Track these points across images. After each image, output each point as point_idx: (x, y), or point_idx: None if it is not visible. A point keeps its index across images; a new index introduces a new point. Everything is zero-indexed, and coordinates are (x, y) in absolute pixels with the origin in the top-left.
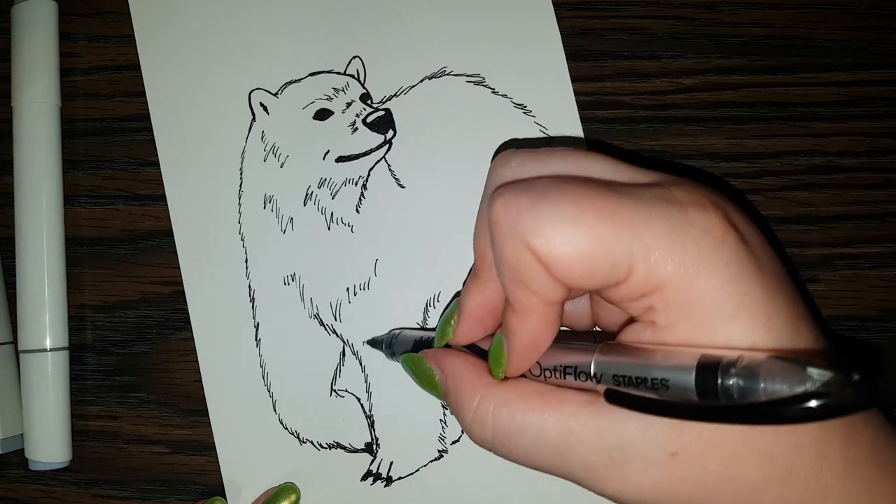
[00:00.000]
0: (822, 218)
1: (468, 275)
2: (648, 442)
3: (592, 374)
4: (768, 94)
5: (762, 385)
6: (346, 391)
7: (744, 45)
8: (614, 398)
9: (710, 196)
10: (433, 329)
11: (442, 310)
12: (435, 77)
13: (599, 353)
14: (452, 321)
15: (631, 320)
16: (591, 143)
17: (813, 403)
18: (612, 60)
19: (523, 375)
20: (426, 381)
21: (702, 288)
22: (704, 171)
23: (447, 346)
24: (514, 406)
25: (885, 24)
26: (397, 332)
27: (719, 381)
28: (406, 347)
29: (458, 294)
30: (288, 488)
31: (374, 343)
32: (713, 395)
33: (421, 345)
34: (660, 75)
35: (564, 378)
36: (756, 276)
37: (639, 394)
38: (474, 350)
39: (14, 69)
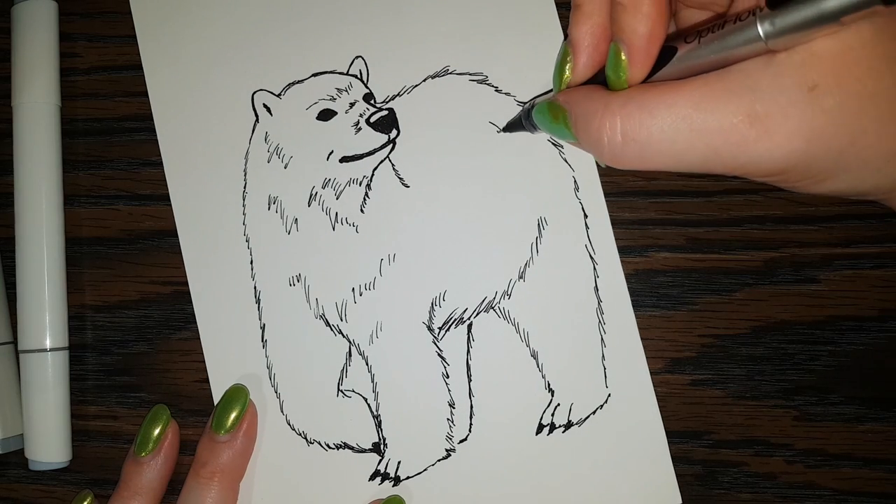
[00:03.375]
0: (822, 218)
1: (571, 16)
2: (783, 85)
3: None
4: None
5: None
6: (353, 391)
7: None
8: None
9: None
10: None
11: (449, 312)
12: (438, 76)
13: None
14: (567, 59)
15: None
16: None
17: None
18: None
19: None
20: (556, 119)
21: None
22: None
23: None
24: (640, 98)
25: None
26: (528, 104)
27: None
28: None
29: (564, 41)
30: None
31: (511, 126)
32: None
33: None
34: None
35: (723, 28)
36: None
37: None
38: None
39: (14, 69)
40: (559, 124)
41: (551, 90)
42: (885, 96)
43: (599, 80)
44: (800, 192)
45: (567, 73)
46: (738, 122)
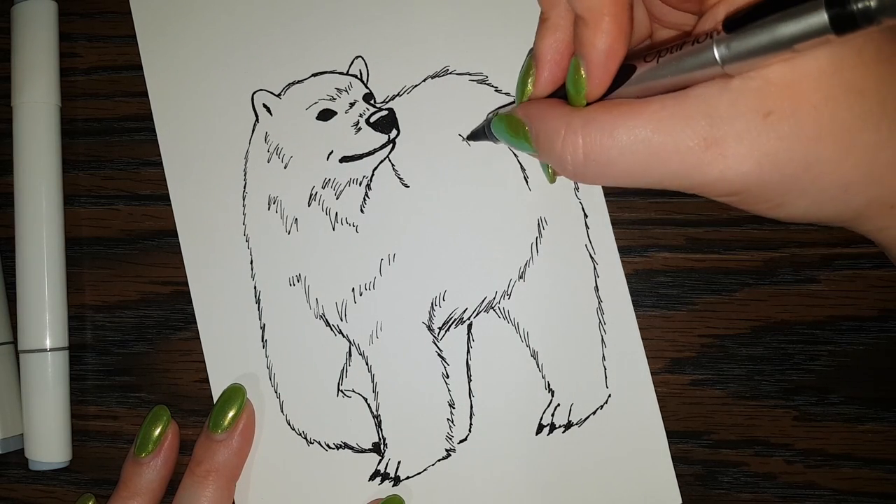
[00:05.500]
0: None
1: (537, 29)
2: (739, 111)
3: (723, 23)
4: None
5: None
6: (353, 391)
7: None
8: (733, 23)
9: None
10: None
11: (449, 312)
12: (438, 76)
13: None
14: (530, 72)
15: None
16: None
17: None
18: None
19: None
20: (516, 134)
21: None
22: None
23: None
24: (601, 119)
25: None
26: (492, 115)
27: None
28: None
29: (530, 52)
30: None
31: (475, 136)
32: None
33: None
34: None
35: (681, 49)
36: None
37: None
38: None
39: (14, 69)
40: (518, 138)
41: (513, 102)
42: (843, 126)
43: (561, 94)
44: (763, 216)
45: (529, 86)
46: (694, 145)
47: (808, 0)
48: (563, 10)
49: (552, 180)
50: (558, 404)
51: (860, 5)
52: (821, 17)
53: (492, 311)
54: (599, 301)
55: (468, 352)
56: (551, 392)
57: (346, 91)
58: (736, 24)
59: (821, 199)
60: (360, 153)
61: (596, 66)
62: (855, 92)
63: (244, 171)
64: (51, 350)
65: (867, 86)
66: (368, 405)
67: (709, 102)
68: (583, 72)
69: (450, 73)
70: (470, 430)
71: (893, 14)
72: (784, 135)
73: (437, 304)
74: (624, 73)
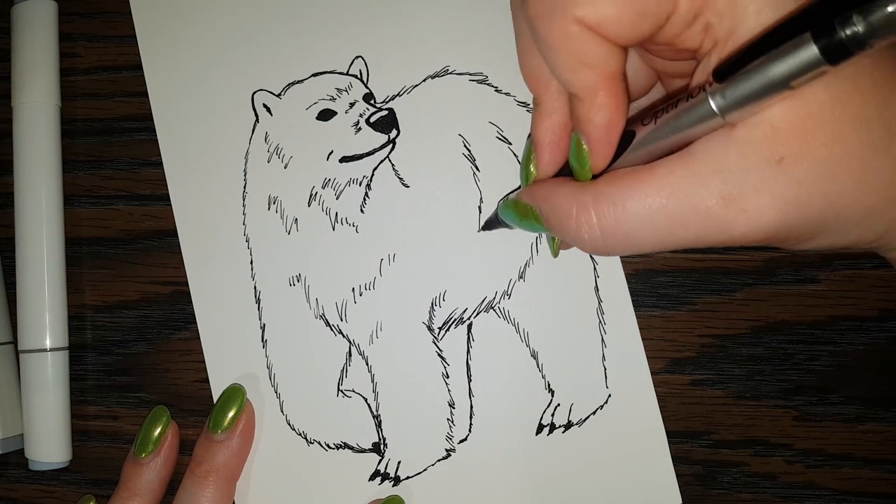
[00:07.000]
0: None
1: (532, 115)
2: (750, 163)
3: (713, 74)
4: None
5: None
6: (353, 391)
7: None
8: (724, 72)
9: None
10: None
11: (449, 312)
12: (438, 76)
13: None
14: (531, 157)
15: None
16: None
17: None
18: None
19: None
20: (526, 217)
21: None
22: None
23: None
24: (610, 193)
25: None
26: (501, 202)
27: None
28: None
29: (528, 137)
30: None
31: (489, 225)
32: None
33: None
34: None
35: (677, 107)
36: None
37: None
38: None
39: (14, 69)
40: (529, 220)
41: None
42: (855, 156)
43: (565, 172)
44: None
45: (532, 170)
46: (713, 205)
47: (794, 37)
48: (554, 92)
49: (555, 254)
50: (558, 404)
51: (848, 32)
52: (811, 51)
53: (492, 311)
54: (599, 301)
55: (468, 352)
56: (551, 392)
57: (346, 91)
58: (727, 72)
59: (844, 229)
60: (360, 153)
61: (597, 140)
62: (860, 122)
63: (244, 171)
64: (51, 350)
65: (870, 113)
66: (368, 405)
67: (717, 158)
68: (585, 146)
69: (450, 73)
70: (470, 430)
71: (883, 35)
72: (800, 177)
73: (437, 304)
74: (625, 141)
